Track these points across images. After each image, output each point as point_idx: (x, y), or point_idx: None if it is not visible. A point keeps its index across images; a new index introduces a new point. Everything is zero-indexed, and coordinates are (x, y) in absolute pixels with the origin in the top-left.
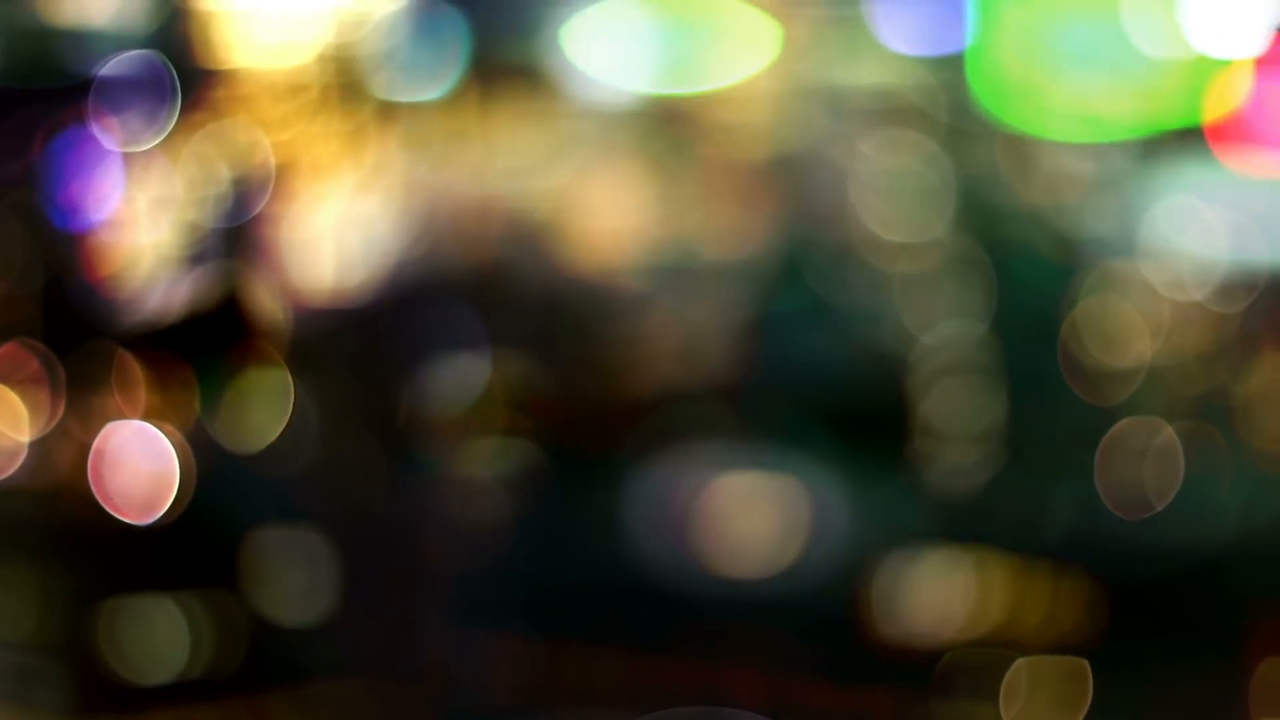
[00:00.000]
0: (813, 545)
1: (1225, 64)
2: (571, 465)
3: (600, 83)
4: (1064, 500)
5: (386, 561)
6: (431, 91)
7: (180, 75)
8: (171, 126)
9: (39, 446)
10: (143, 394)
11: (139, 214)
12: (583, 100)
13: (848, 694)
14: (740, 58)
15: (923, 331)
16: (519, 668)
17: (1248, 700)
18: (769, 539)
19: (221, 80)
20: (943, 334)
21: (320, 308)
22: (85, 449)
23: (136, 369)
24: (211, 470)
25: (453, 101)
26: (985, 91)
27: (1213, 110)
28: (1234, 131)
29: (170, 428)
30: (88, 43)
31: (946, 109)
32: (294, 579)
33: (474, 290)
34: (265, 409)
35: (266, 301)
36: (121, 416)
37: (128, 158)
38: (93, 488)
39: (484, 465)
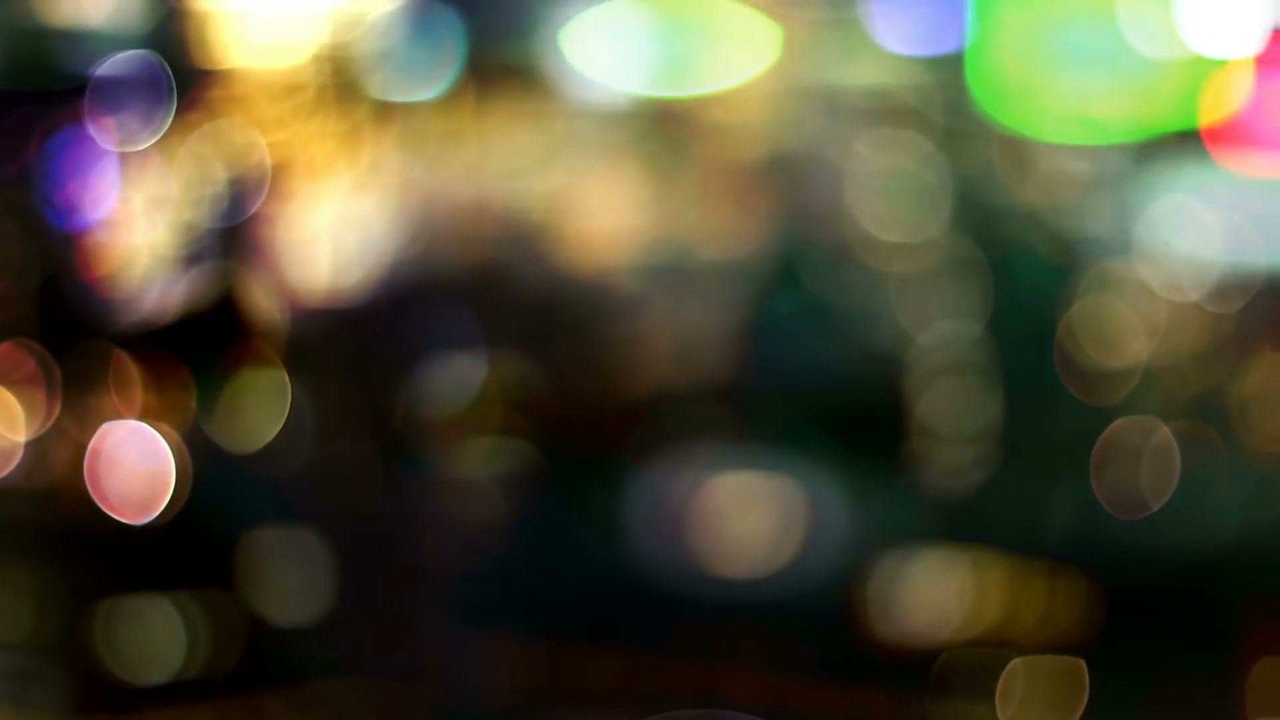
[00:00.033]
0: (809, 546)
1: (1222, 65)
2: (568, 466)
3: (596, 83)
4: (1060, 500)
5: (383, 562)
6: (427, 92)
7: (176, 75)
8: (168, 127)
9: (35, 446)
10: (139, 394)
11: (135, 214)
12: (579, 101)
13: (845, 694)
14: (737, 59)
15: (919, 332)
16: (517, 668)
17: (1244, 700)
18: (766, 539)
19: (217, 80)
20: (939, 334)
21: (317, 308)
22: (81, 449)
23: (133, 369)
24: (208, 470)
25: (449, 102)
26: (982, 92)
27: (1209, 111)
28: (1230, 133)
29: (166, 428)
30: (84, 43)
31: (943, 110)
32: (290, 579)
33: (470, 290)
34: (262, 409)
35: (263, 301)
36: (118, 416)
37: (124, 158)
38: (89, 488)
39: (480, 465)
